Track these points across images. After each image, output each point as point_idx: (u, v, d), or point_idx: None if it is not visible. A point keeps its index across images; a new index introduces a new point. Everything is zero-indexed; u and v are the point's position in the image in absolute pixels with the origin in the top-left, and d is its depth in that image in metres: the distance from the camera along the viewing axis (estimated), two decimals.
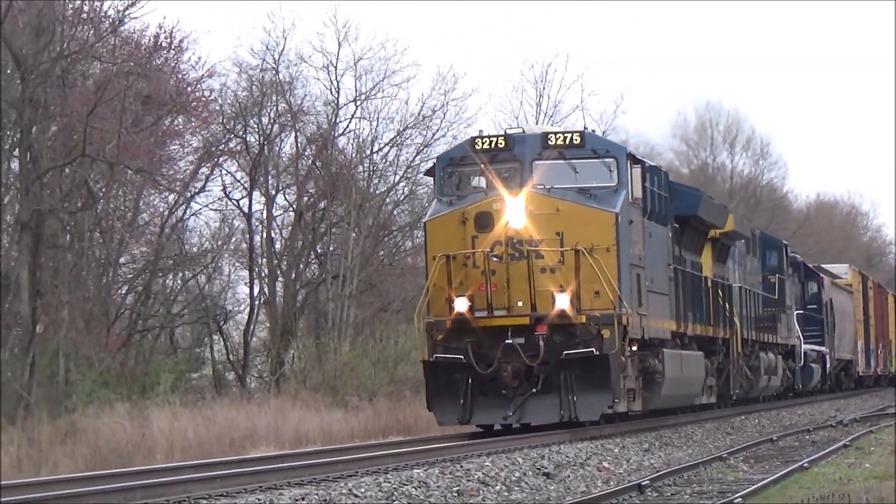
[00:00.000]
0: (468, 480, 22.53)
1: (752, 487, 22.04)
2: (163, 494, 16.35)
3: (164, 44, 44.74)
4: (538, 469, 25.47)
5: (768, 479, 23.61)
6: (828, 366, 57.45)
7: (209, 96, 42.27)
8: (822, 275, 59.14)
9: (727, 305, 39.97)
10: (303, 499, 17.26)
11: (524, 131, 26.21)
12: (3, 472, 25.38)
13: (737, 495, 20.75)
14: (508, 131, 26.60)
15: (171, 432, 29.02)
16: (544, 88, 65.57)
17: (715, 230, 39.59)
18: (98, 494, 15.96)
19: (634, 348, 26.60)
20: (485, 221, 24.17)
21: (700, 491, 23.06)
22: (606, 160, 26.23)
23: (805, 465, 26.42)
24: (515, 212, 23.63)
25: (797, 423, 45.34)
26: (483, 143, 26.06)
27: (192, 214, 45.88)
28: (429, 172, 30.01)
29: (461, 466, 22.30)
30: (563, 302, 23.38)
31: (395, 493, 18.92)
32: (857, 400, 60.64)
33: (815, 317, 55.69)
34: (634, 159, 26.27)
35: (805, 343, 53.23)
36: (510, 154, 25.68)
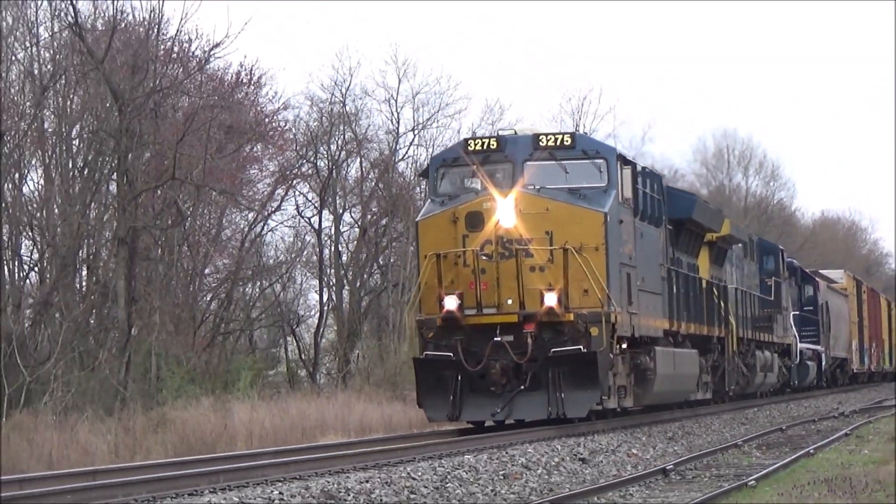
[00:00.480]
0: (513, 465, 22.24)
1: (764, 471, 22.41)
2: (243, 477, 16.42)
3: (244, 80, 45.81)
4: (575, 455, 24.96)
5: (778, 464, 24.00)
6: (823, 363, 55.96)
7: (284, 126, 43.64)
8: (818, 279, 58.27)
9: (723, 305, 37.79)
10: (367, 481, 17.00)
11: (516, 132, 24.81)
12: (103, 457, 25.35)
13: (750, 478, 20.87)
14: (500, 132, 25.26)
15: (250, 422, 29.96)
16: (580, 119, 64.75)
17: (712, 234, 37.54)
18: (187, 477, 15.98)
19: (624, 346, 25.00)
20: (475, 221, 22.63)
21: (718, 474, 23.19)
22: (597, 161, 24.38)
23: (811, 451, 26.83)
24: (505, 211, 22.20)
25: (804, 415, 45.13)
26: (476, 145, 24.40)
27: (269, 230, 47.28)
28: (423, 174, 28.80)
29: (507, 453, 21.71)
30: (551, 300, 21.82)
31: (448, 476, 18.65)
32: (857, 394, 60.39)
33: (811, 318, 54.10)
34: (625, 160, 24.69)
35: (801, 342, 51.44)
36: (502, 155, 23.84)
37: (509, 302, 22.54)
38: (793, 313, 50.34)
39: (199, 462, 19.74)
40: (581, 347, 21.84)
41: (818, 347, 54.47)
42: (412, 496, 16.94)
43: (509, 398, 22.25)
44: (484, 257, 22.34)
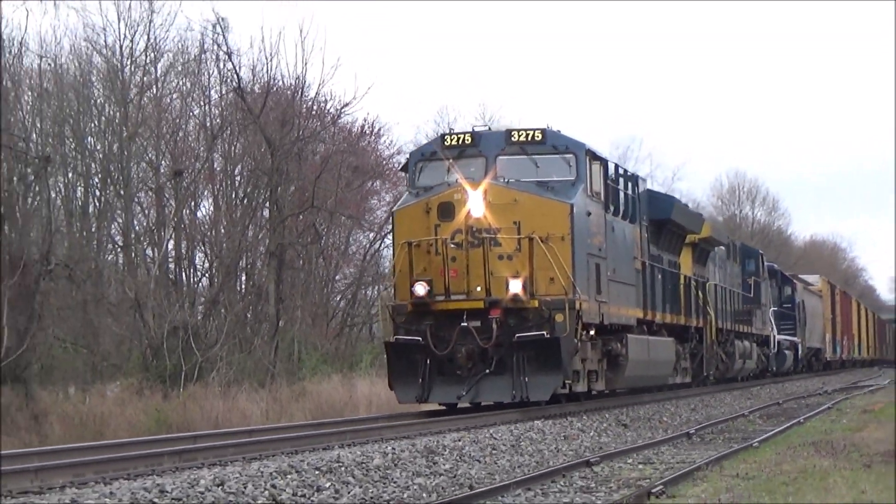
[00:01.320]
0: (571, 429, 22.38)
1: (765, 435, 23.41)
2: (364, 437, 17.38)
3: (367, 131, 49.41)
4: (619, 422, 25.64)
5: (776, 430, 25.16)
6: (800, 352, 54.66)
7: (397, 167, 44.65)
8: (795, 281, 57.67)
9: (702, 299, 34.81)
10: (459, 440, 17.56)
11: (490, 129, 22.56)
12: (257, 420, 26.67)
13: (755, 440, 22.01)
14: (475, 128, 22.75)
15: (370, 394, 31.37)
16: (625, 162, 59.75)
17: (694, 235, 34.51)
18: (321, 436, 17.35)
19: (592, 332, 22.52)
20: (447, 211, 20.37)
21: (729, 437, 24.30)
22: (566, 156, 21.65)
23: (801, 420, 28.15)
24: (475, 202, 20.03)
25: (796, 392, 45.78)
26: (452, 140, 21.88)
27: (385, 247, 48.27)
28: (404, 168, 25.87)
29: (567, 419, 21.69)
30: (516, 287, 19.63)
31: (522, 437, 18.86)
32: (835, 377, 61.94)
33: (788, 314, 52.72)
34: (594, 156, 22.45)
35: (780, 334, 49.61)
36: (476, 150, 21.27)
37: (478, 289, 20.49)
38: (772, 309, 48.43)
39: (330, 424, 20.88)
40: (544, 333, 19.64)
41: (795, 339, 53.12)
42: (493, 451, 17.19)
43: (474, 382, 20.23)
44: (453, 246, 20.30)
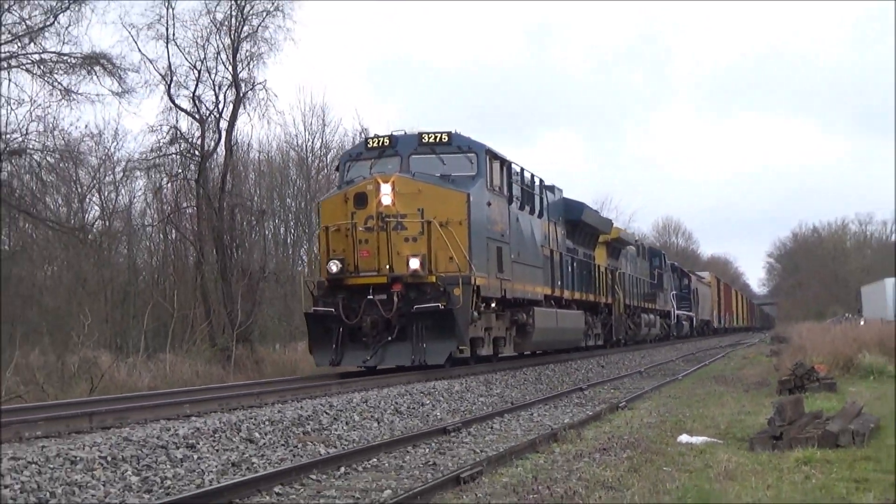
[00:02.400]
0: (573, 369, 28.61)
1: (685, 372, 28.35)
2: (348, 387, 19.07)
3: None
4: (599, 364, 31.51)
5: (692, 369, 30.35)
6: (694, 322, 63.75)
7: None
8: (691, 274, 66.55)
9: (611, 283, 38.19)
10: (451, 386, 19.60)
11: (406, 133, 23.37)
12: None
13: (679, 375, 26.84)
14: (393, 132, 23.47)
15: None
16: (602, 209, 69.37)
17: (606, 235, 37.65)
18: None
19: (493, 305, 23.04)
20: (361, 200, 20.75)
21: (664, 373, 28.89)
22: (469, 154, 22.28)
23: (707, 363, 34.48)
24: (385, 192, 20.53)
25: (704, 347, 52.56)
26: (374, 143, 22.82)
27: None
28: (337, 168, 26.50)
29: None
30: (414, 264, 20.01)
31: (489, 382, 21.66)
32: (727, 338, 73.68)
33: (686, 297, 61.18)
34: (494, 156, 22.82)
35: (679, 311, 57.18)
36: (393, 150, 22.12)
37: (386, 267, 20.78)
38: (672, 293, 54.84)
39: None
40: (440, 305, 19.84)
41: (690, 314, 61.38)
42: (484, 390, 20.11)
43: (378, 348, 20.46)
44: (363, 230, 20.62)
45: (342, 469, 10.01)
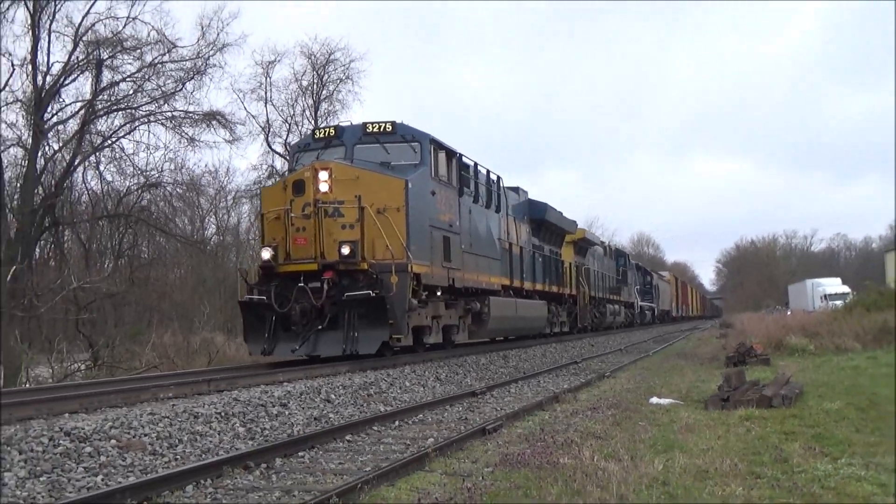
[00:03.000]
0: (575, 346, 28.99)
1: (655, 350, 29.17)
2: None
3: None
4: (589, 344, 29.82)
5: (661, 347, 31.34)
6: (655, 312, 62.27)
7: None
8: (653, 273, 65.75)
9: (579, 278, 33.99)
10: (464, 360, 19.35)
11: (352, 123, 18.67)
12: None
13: (650, 352, 27.49)
14: (340, 123, 19.22)
15: None
16: (591, 227, 73.73)
17: (572, 235, 33.83)
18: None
19: (440, 294, 18.30)
20: (299, 187, 16.55)
21: (639, 350, 28.54)
22: (413, 144, 17.99)
23: (671, 343, 35.29)
24: (322, 179, 16.29)
25: (668, 331, 52.82)
26: (321, 133, 18.50)
27: None
28: (288, 159, 23.08)
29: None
30: (345, 250, 15.80)
31: (479, 364, 19.81)
32: (684, 325, 71.77)
33: (649, 291, 59.58)
34: (439, 146, 18.67)
35: (642, 302, 55.58)
36: (339, 140, 17.87)
37: (319, 254, 16.55)
38: (636, 287, 53.54)
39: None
40: (370, 292, 15.75)
41: (652, 305, 60.67)
42: (485, 367, 18.94)
43: (308, 337, 16.11)
44: (301, 217, 16.26)
45: (396, 422, 11.02)
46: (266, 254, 16.35)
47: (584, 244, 37.02)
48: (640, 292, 54.88)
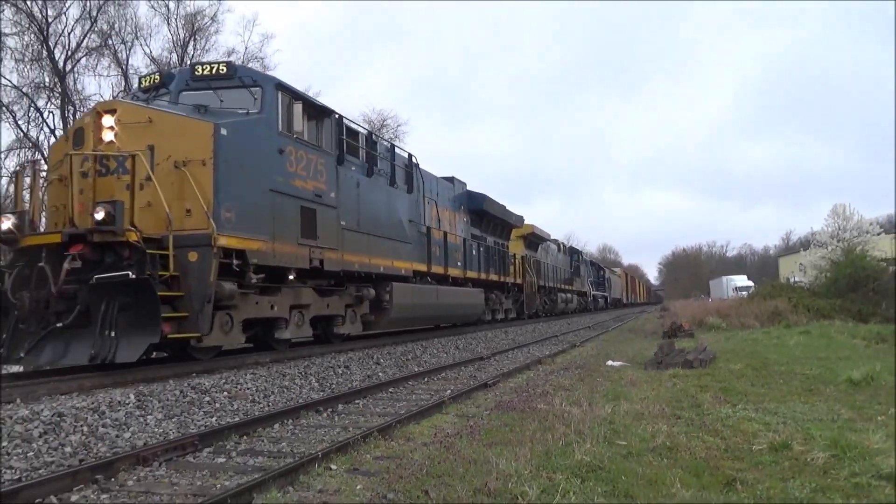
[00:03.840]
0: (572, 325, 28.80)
1: (613, 328, 27.26)
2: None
3: None
4: (568, 324, 27.94)
5: (617, 325, 29.20)
6: (608, 300, 55.31)
7: None
8: (605, 268, 59.38)
9: (525, 268, 26.09)
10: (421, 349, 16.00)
11: (182, 67, 12.76)
12: None
13: (610, 329, 26.23)
14: (173, 70, 11.87)
15: None
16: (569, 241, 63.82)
17: (519, 230, 26.91)
18: None
19: (293, 277, 10.57)
20: (78, 137, 8.97)
21: (603, 328, 26.93)
22: (253, 89, 10.19)
23: (624, 322, 33.11)
24: (107, 125, 8.86)
25: (626, 312, 51.84)
26: (146, 82, 10.66)
27: None
28: None
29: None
30: (99, 215, 7.75)
31: (455, 343, 15.96)
32: (637, 308, 68.38)
33: (602, 283, 52.62)
34: (294, 95, 10.56)
35: (595, 292, 49.01)
36: (166, 89, 10.40)
37: (72, 220, 8.91)
38: (590, 279, 46.93)
39: None
40: (130, 273, 7.85)
41: (605, 294, 54.11)
42: (462, 346, 16.46)
43: (38, 337, 8.16)
44: (81, 175, 8.79)
45: (426, 379, 10.87)
46: (6, 223, 8.99)
47: (534, 239, 30.53)
48: (594, 284, 48.48)
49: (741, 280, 67.07)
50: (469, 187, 21.60)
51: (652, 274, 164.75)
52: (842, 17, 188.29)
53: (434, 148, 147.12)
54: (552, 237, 35.93)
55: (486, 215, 22.83)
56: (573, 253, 42.53)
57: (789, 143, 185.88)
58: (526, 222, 28.54)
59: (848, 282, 24.74)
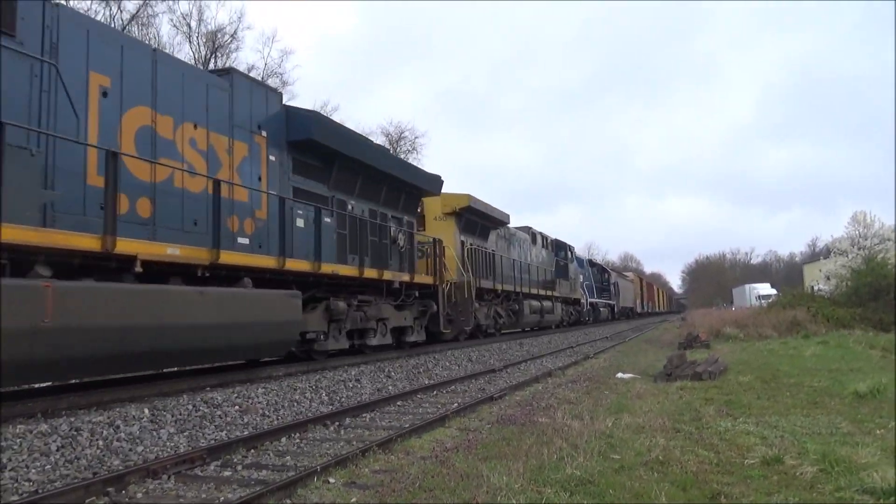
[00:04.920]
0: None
1: (630, 338, 26.52)
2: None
3: None
4: (584, 333, 29.47)
5: (634, 336, 28.36)
6: (615, 309, 45.37)
7: None
8: (610, 271, 48.43)
9: (437, 259, 15.94)
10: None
11: None
12: None
13: (627, 339, 25.23)
14: None
15: None
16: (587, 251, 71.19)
17: (454, 203, 18.00)
18: None
19: None
20: None
21: (621, 338, 25.92)
22: None
23: (644, 332, 32.24)
24: None
25: (645, 322, 49.06)
26: None
27: None
28: None
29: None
30: None
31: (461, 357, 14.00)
32: (651, 319, 60.58)
33: (606, 289, 43.31)
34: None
35: (597, 299, 39.40)
36: None
37: None
38: (586, 283, 36.87)
39: None
40: None
41: (611, 302, 44.22)
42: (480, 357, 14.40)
43: None
44: None
45: (435, 392, 10.88)
46: None
47: (479, 220, 20.00)
48: (594, 289, 39.79)
49: (764, 288, 66.42)
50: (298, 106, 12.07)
51: (675, 282, 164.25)
52: (864, 20, 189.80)
53: (457, 157, 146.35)
54: (540, 230, 27.73)
55: (334, 158, 12.25)
56: (560, 248, 31.59)
57: (815, 146, 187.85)
58: (468, 194, 18.92)
59: (868, 290, 24.46)
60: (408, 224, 15.34)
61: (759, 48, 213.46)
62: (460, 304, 17.32)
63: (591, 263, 43.16)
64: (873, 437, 6.14)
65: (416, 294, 15.05)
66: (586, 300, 36.50)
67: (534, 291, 25.45)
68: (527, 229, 27.01)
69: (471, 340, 17.42)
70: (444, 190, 17.23)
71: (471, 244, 19.64)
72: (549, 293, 27.76)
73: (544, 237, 29.47)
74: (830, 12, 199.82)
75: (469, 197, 19.11)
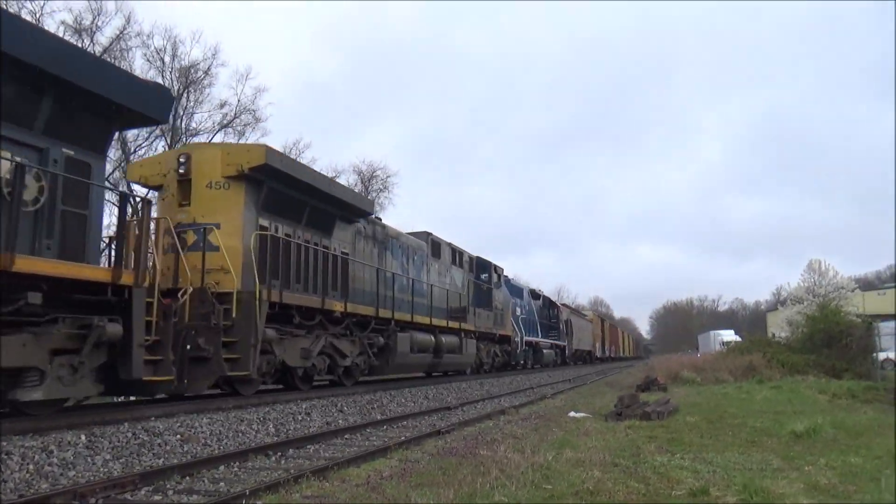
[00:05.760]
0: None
1: (594, 380, 26.76)
2: None
3: None
4: (548, 375, 29.29)
5: (598, 378, 28.21)
6: (567, 352, 39.25)
7: None
8: (560, 305, 41.61)
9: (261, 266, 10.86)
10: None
11: None
12: None
13: (590, 382, 25.51)
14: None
15: None
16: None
17: (241, 163, 10.95)
18: None
19: None
20: None
21: (581, 381, 25.99)
22: None
23: (608, 375, 31.70)
24: None
25: (610, 367, 47.49)
26: None
27: None
28: None
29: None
30: None
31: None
32: (614, 364, 59.31)
33: (555, 326, 36.80)
34: None
35: (538, 338, 31.49)
36: None
37: None
38: (521, 317, 29.31)
39: None
40: None
41: (561, 343, 37.96)
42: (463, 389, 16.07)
43: None
44: None
45: (385, 427, 10.92)
46: None
47: (306, 199, 12.90)
48: (541, 326, 33.14)
49: (728, 334, 66.41)
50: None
51: (644, 328, 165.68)
52: (824, 79, 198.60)
53: (434, 201, 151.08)
54: (449, 240, 21.70)
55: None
56: (482, 268, 25.00)
57: (780, 197, 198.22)
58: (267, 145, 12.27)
59: (822, 337, 24.80)
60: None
61: (726, 102, 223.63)
62: (236, 330, 10.75)
63: (535, 294, 35.13)
64: (800, 473, 6.28)
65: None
66: (520, 338, 29.26)
67: (426, 322, 18.45)
68: (424, 235, 20.41)
69: (430, 378, 16.20)
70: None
71: (286, 235, 12.59)
72: (457, 326, 20.78)
73: (456, 251, 22.59)
74: (791, 68, 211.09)
75: (267, 149, 11.75)
